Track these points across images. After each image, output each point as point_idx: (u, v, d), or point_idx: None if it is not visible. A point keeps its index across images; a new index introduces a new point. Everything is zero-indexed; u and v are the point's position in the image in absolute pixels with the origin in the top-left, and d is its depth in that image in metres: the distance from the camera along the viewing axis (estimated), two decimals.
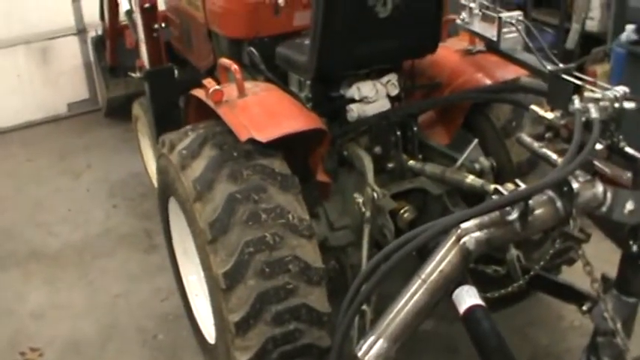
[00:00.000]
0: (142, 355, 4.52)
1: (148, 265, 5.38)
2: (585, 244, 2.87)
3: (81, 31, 8.08)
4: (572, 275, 3.81)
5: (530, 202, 2.59)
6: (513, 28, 3.76)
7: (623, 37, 5.37)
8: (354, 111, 3.90)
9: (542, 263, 3.36)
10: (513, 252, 3.55)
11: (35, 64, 7.97)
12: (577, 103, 2.82)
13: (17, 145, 7.64)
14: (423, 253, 2.76)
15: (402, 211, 3.77)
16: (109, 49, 7.24)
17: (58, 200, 6.45)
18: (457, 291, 2.87)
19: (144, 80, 5.27)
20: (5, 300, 5.16)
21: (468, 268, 2.83)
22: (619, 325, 2.78)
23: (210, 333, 4.01)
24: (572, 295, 3.47)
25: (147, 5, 4.98)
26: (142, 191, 6.40)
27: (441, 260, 2.55)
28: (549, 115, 3.02)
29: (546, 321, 4.48)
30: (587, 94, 2.86)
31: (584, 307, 3.27)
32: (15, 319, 4.95)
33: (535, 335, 4.38)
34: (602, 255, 3.15)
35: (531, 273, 3.38)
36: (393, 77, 3.96)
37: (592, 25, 6.19)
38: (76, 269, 5.46)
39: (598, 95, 2.78)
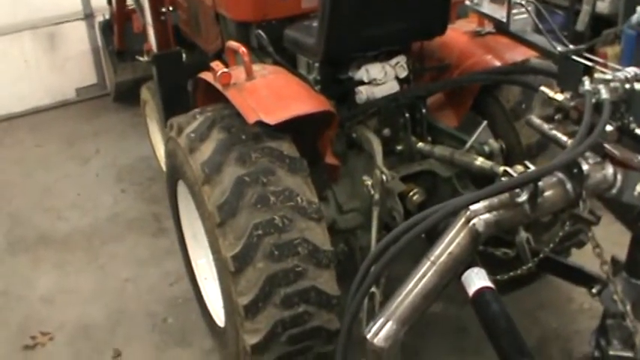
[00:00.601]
0: (152, 339, 4.54)
1: (156, 249, 5.40)
2: (595, 227, 2.85)
3: (88, 15, 8.07)
4: (582, 258, 3.79)
5: (540, 183, 2.57)
6: (523, 10, 3.73)
7: (634, 18, 5.34)
8: (363, 93, 3.89)
9: (551, 245, 3.34)
10: (523, 234, 3.52)
11: (42, 50, 7.98)
12: (587, 84, 2.80)
13: (25, 131, 7.65)
14: (432, 236, 2.74)
15: (411, 194, 3.75)
16: (117, 33, 7.23)
17: (66, 185, 6.47)
18: (466, 273, 2.86)
19: (152, 64, 5.27)
20: (15, 285, 5.18)
21: (478, 251, 2.83)
22: (629, 308, 2.76)
23: (219, 316, 4.02)
24: (581, 277, 3.46)
25: None
26: (151, 175, 6.41)
27: (450, 242, 2.53)
28: (559, 97, 3.00)
29: (556, 303, 4.48)
30: (597, 75, 2.84)
31: (594, 290, 3.25)
32: (25, 304, 4.98)
33: (544, 318, 4.38)
34: (612, 237, 3.14)
35: (541, 255, 3.36)
36: (401, 59, 3.94)
37: (603, 7, 6.15)
38: (85, 254, 5.47)
39: (608, 76, 2.76)
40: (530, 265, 3.38)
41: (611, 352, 2.87)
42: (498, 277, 3.25)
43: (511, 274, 3.37)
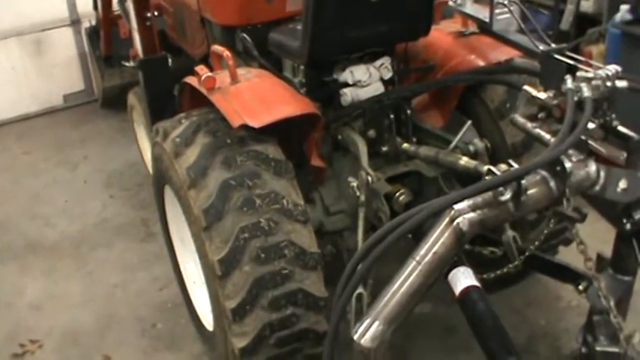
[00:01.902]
0: (141, 344, 4.53)
1: (145, 255, 5.39)
2: (581, 224, 2.86)
3: (75, 21, 8.07)
4: (569, 256, 3.80)
5: (524, 182, 2.58)
6: (506, 10, 3.75)
7: (618, 17, 5.37)
8: (348, 95, 3.89)
9: (537, 243, 3.36)
10: (509, 233, 3.54)
11: (29, 56, 7.97)
12: (569, 82, 2.81)
13: (13, 138, 7.64)
14: (418, 235, 2.75)
15: (397, 195, 3.75)
16: (104, 39, 7.24)
17: (55, 192, 6.46)
18: (453, 272, 2.87)
19: (138, 69, 5.28)
20: (3, 292, 5.17)
21: (464, 250, 2.84)
22: (613, 304, 2.78)
23: (208, 320, 4.02)
24: (568, 275, 3.47)
25: None
26: (139, 181, 6.40)
27: (435, 242, 2.53)
28: (542, 96, 3.02)
29: (544, 301, 4.50)
30: (579, 73, 2.86)
31: (581, 287, 3.27)
32: (13, 312, 4.97)
33: (533, 315, 4.40)
34: (598, 235, 3.17)
35: (527, 253, 3.38)
36: (386, 60, 3.95)
37: (587, 6, 6.17)
38: (74, 260, 5.46)
39: (590, 74, 2.78)
40: (517, 263, 3.40)
41: (597, 348, 2.88)
42: (486, 275, 3.27)
43: (498, 272, 3.39)
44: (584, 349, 2.93)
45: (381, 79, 3.97)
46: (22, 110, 8.03)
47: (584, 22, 6.17)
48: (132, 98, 6.05)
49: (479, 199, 2.56)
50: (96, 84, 8.12)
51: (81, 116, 8.01)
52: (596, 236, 3.08)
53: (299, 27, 3.79)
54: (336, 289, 2.58)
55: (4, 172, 6.92)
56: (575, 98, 2.74)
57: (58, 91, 8.20)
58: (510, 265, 3.41)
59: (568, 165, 2.65)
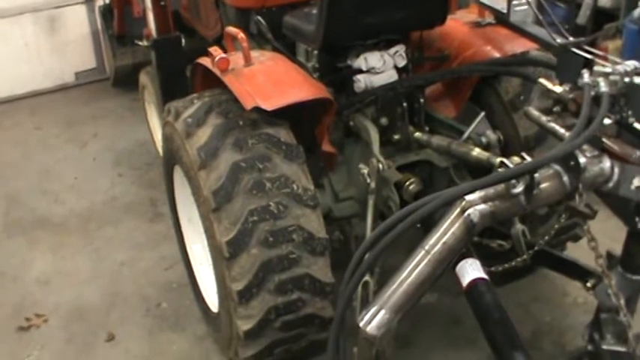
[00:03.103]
0: (145, 323, 4.54)
1: (152, 234, 5.40)
2: (592, 222, 2.85)
3: None
4: (577, 252, 3.79)
5: (536, 175, 2.56)
6: (523, 1, 3.72)
7: (636, 13, 5.32)
8: (361, 82, 3.87)
9: (546, 238, 3.34)
10: (518, 227, 3.52)
11: (43, 33, 7.95)
12: (586, 77, 2.78)
13: (25, 114, 7.64)
14: (428, 225, 2.74)
15: (407, 183, 3.74)
16: (117, 17, 7.21)
17: (64, 168, 6.47)
18: (461, 264, 2.87)
19: (151, 49, 5.26)
20: (11, 266, 5.18)
21: (473, 242, 2.82)
22: (622, 302, 2.77)
23: (213, 302, 4.02)
24: (576, 271, 3.46)
25: None
26: (148, 160, 6.40)
27: (445, 232, 2.52)
28: (558, 89, 2.99)
29: (550, 297, 4.48)
30: (596, 68, 2.83)
31: (589, 284, 3.26)
32: (20, 286, 4.98)
33: (538, 311, 4.38)
34: (609, 232, 3.14)
35: (536, 248, 3.37)
36: (400, 48, 3.93)
37: (604, 1, 6.13)
38: (82, 237, 5.47)
39: (608, 69, 2.74)
40: (525, 257, 3.38)
41: (604, 347, 2.88)
42: (493, 268, 3.26)
43: (506, 265, 3.38)
44: (590, 347, 2.93)
45: (395, 67, 3.95)
46: (34, 86, 8.01)
47: (601, 16, 6.13)
48: (144, 78, 6.04)
49: (491, 190, 2.55)
50: (108, 62, 8.11)
51: (92, 94, 8.00)
52: (606, 234, 3.07)
53: (314, 11, 3.77)
54: (343, 276, 2.57)
55: (15, 146, 6.93)
56: (592, 93, 2.71)
57: (70, 69, 8.19)
58: (518, 259, 3.40)
59: (582, 160, 2.63)
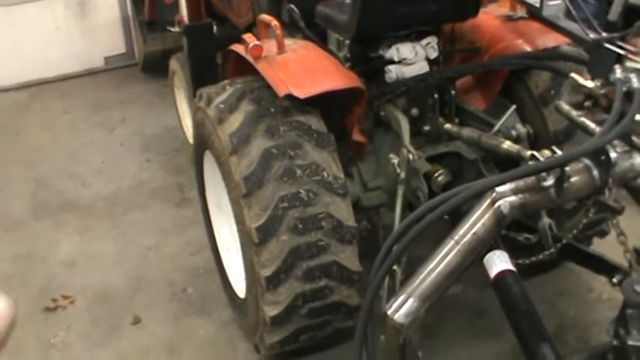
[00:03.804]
0: (171, 308, 4.57)
1: (179, 219, 5.43)
2: (619, 218, 2.86)
3: None
4: (603, 249, 3.79)
5: (567, 169, 2.57)
6: None
7: None
8: (393, 72, 3.87)
9: (574, 232, 3.35)
10: (546, 220, 3.52)
11: (73, 17, 8.01)
12: (619, 72, 2.79)
13: (54, 97, 7.70)
14: (456, 217, 2.75)
15: (436, 174, 3.74)
16: (148, 3, 7.23)
17: (92, 152, 6.52)
18: (488, 255, 2.86)
19: (183, 35, 5.29)
20: (38, 248, 5.24)
21: (500, 235, 2.83)
22: None
23: (240, 288, 4.04)
24: (602, 266, 3.46)
25: None
26: (176, 146, 6.43)
27: (475, 223, 2.54)
28: (589, 84, 3.00)
29: (575, 292, 4.47)
30: (628, 63, 2.83)
31: (615, 279, 3.26)
32: (47, 267, 5.03)
33: (563, 306, 4.37)
34: (636, 230, 3.15)
35: (563, 241, 3.37)
36: (432, 40, 3.92)
37: None
38: (108, 221, 5.52)
39: None
40: (551, 250, 3.39)
41: (630, 342, 2.87)
42: (520, 261, 3.27)
43: (532, 259, 3.39)
44: (615, 342, 2.92)
45: (427, 59, 3.95)
46: (64, 70, 8.07)
47: (633, 13, 6.10)
48: (174, 64, 6.07)
49: (521, 183, 2.57)
50: (137, 48, 8.15)
51: (121, 79, 8.06)
52: (633, 231, 3.07)
53: (347, 1, 3.78)
54: (370, 265, 2.59)
55: (45, 129, 6.99)
56: (624, 89, 2.72)
57: (100, 53, 8.24)
58: (545, 253, 3.41)
59: (613, 155, 2.64)
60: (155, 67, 7.59)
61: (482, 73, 4.16)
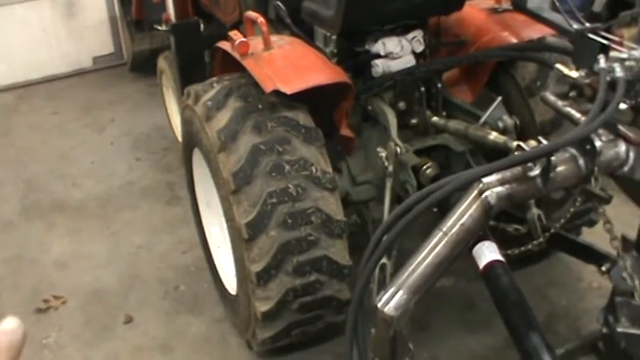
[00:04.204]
0: (163, 306, 4.58)
1: (170, 218, 5.44)
2: (606, 207, 2.87)
3: None
4: (592, 239, 3.81)
5: (553, 158, 2.59)
6: None
7: None
8: (379, 66, 3.89)
9: (562, 221, 3.37)
10: (534, 211, 3.55)
11: (61, 18, 7.98)
12: (602, 62, 2.80)
13: (42, 98, 7.68)
14: (444, 208, 2.77)
15: (424, 167, 3.76)
16: (135, 2, 7.22)
17: (82, 153, 6.51)
18: (477, 246, 2.88)
19: (170, 33, 5.29)
20: (29, 249, 5.23)
21: (489, 226, 2.85)
22: (637, 285, 2.79)
23: (231, 284, 4.05)
24: (591, 255, 3.49)
25: None
26: (165, 145, 6.44)
27: (463, 214, 2.55)
28: (574, 74, 3.01)
29: (565, 281, 4.50)
30: (612, 53, 2.85)
31: (604, 268, 3.29)
32: (38, 268, 5.03)
33: (553, 295, 4.40)
34: (623, 219, 3.16)
35: (552, 231, 3.39)
36: (418, 34, 3.94)
37: None
38: (99, 220, 5.51)
39: (624, 55, 2.77)
40: (540, 240, 3.41)
41: (619, 329, 2.89)
42: (509, 251, 3.29)
43: (522, 249, 3.41)
44: (605, 330, 2.95)
45: (413, 52, 3.97)
46: (52, 71, 8.05)
47: (617, 4, 6.12)
48: (162, 62, 6.07)
49: (508, 173, 2.58)
50: (125, 48, 8.14)
51: (109, 79, 8.04)
52: (620, 220, 3.07)
53: None
54: (361, 259, 2.60)
55: (33, 130, 6.97)
56: (608, 78, 2.73)
57: (88, 54, 8.22)
58: (534, 243, 3.43)
59: (598, 144, 2.66)
60: (143, 67, 7.61)
61: (469, 66, 4.18)
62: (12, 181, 6.11)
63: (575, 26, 3.30)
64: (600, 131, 2.67)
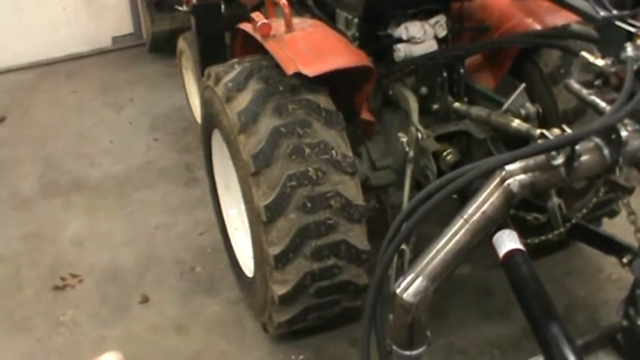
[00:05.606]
0: (179, 286, 4.59)
1: (187, 198, 5.44)
2: (629, 198, 2.84)
3: None
4: (613, 229, 3.78)
5: (577, 147, 2.55)
6: None
7: None
8: (401, 51, 3.85)
9: (584, 211, 3.34)
10: (555, 200, 3.50)
11: None
12: (630, 50, 2.77)
13: (62, 77, 7.67)
14: (465, 195, 2.74)
15: (445, 153, 3.74)
16: None
17: (100, 132, 6.51)
18: (497, 234, 2.85)
19: (191, 14, 5.26)
20: (47, 227, 5.24)
21: (509, 215, 2.82)
22: None
23: (248, 267, 4.05)
24: (612, 246, 3.44)
25: None
26: (184, 125, 6.43)
27: (484, 201, 2.53)
28: (600, 62, 2.98)
29: (584, 272, 4.47)
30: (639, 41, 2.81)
31: (625, 260, 3.24)
32: (56, 246, 5.04)
33: (572, 286, 4.37)
34: None
35: (572, 221, 3.36)
36: (441, 18, 3.90)
37: None
38: (117, 200, 5.52)
39: None
40: (561, 230, 3.37)
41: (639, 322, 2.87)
42: (529, 240, 3.25)
43: (542, 238, 3.37)
44: (625, 322, 2.91)
45: (435, 37, 3.92)
46: (71, 50, 8.03)
47: None
48: (182, 43, 6.05)
49: (531, 161, 2.55)
50: (145, 28, 8.12)
51: (128, 59, 8.02)
52: None
53: None
54: (379, 247, 2.58)
55: (53, 109, 6.97)
56: (635, 67, 2.70)
57: (107, 33, 8.20)
58: (554, 232, 3.39)
59: (624, 134, 2.62)
60: (162, 47, 7.59)
61: (492, 52, 4.13)
62: (30, 159, 6.12)
63: (602, 13, 3.25)
64: (626, 121, 2.63)
